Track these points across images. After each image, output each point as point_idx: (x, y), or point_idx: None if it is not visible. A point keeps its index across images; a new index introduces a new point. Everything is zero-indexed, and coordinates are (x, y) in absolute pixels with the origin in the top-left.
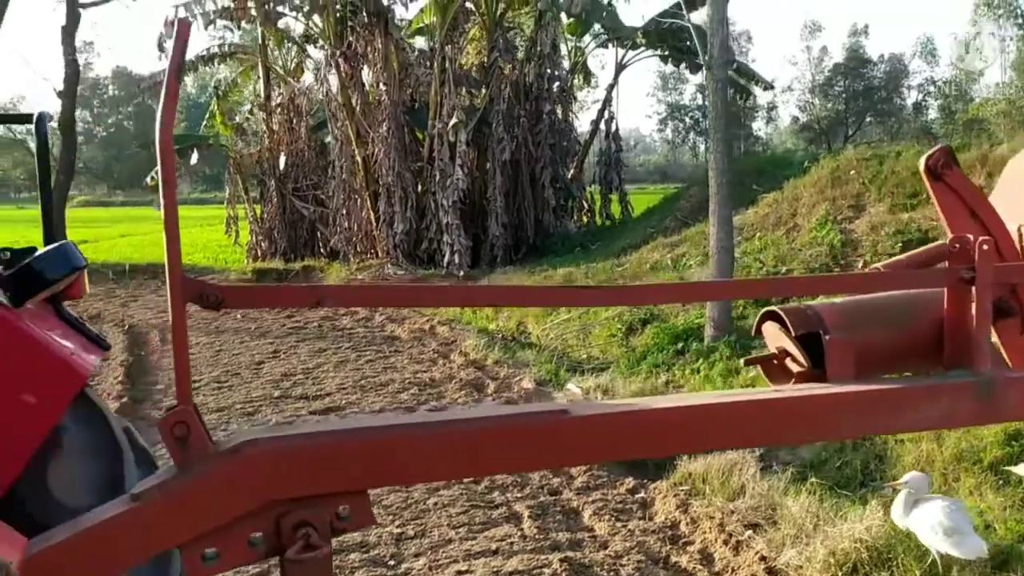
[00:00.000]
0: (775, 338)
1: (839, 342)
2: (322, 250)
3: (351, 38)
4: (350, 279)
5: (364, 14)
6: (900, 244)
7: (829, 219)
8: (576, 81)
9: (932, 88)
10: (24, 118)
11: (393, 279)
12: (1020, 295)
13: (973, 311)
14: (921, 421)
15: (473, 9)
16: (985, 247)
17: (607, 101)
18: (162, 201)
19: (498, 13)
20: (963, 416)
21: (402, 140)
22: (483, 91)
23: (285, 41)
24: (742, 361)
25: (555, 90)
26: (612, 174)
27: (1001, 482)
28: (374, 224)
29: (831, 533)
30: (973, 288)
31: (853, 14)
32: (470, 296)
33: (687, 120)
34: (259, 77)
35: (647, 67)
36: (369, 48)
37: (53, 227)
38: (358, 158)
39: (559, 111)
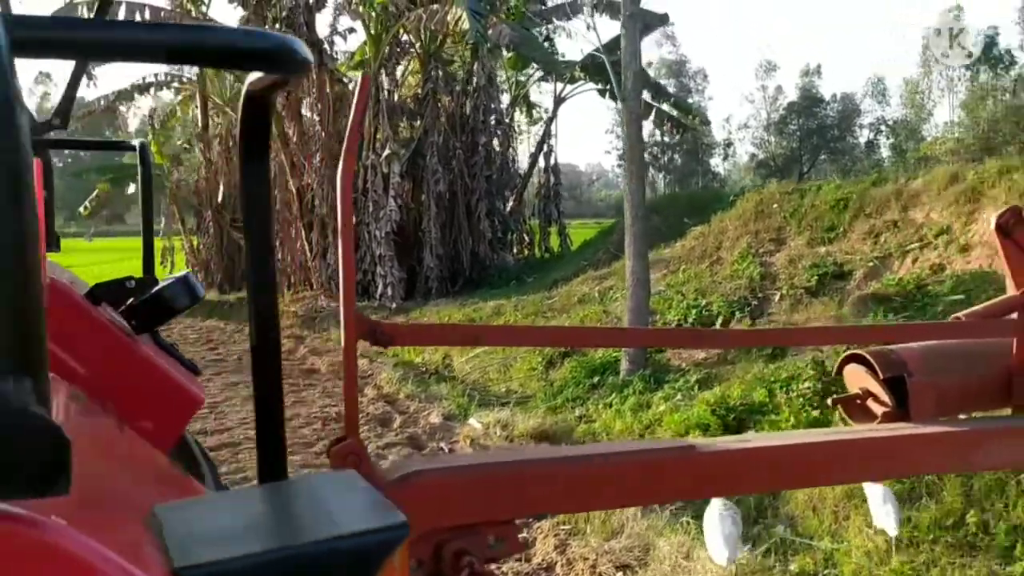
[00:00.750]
0: (858, 379)
1: (922, 384)
2: None
3: None
4: (283, 311)
5: None
6: (816, 277)
7: (750, 252)
8: (519, 114)
9: (883, 127)
10: (125, 146)
11: (325, 311)
12: None
13: None
14: (997, 459)
15: (412, 41)
16: None
17: (546, 134)
18: (340, 246)
19: (434, 46)
20: None
21: (336, 171)
22: (418, 123)
23: (223, 71)
24: (829, 400)
25: (491, 123)
26: (551, 207)
27: None
28: (308, 256)
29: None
30: None
31: (807, 54)
32: (607, 338)
33: (646, 156)
34: (197, 107)
35: (607, 104)
36: (304, 79)
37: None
38: (292, 189)
39: (497, 144)
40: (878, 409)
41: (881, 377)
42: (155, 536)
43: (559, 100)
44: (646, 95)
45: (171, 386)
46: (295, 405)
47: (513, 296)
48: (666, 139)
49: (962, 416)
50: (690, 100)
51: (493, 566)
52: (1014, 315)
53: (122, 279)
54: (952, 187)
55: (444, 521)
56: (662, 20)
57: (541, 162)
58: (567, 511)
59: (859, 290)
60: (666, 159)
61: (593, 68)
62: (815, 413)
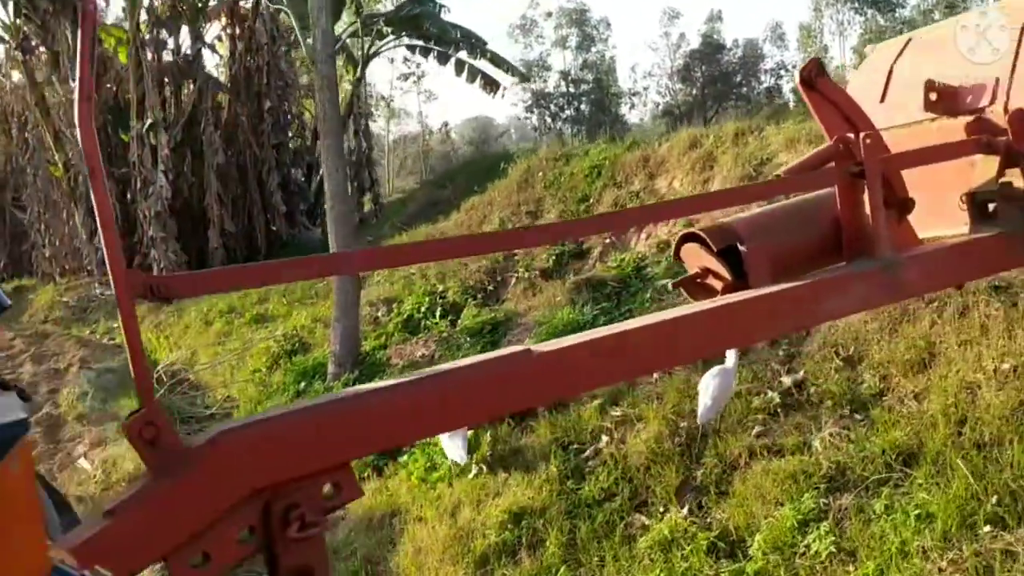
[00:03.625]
0: (695, 258)
1: (756, 250)
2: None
3: (25, 28)
4: (55, 301)
5: (46, 1)
6: (553, 258)
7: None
8: (346, 74)
9: (783, 72)
10: None
11: (99, 300)
12: (895, 186)
13: (866, 203)
14: (841, 308)
15: None
16: (869, 141)
17: (354, 96)
18: (94, 199)
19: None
20: (876, 297)
21: (103, 143)
22: (191, 87)
23: None
24: (669, 284)
25: (277, 85)
26: (364, 174)
27: None
28: (83, 239)
29: None
30: (861, 180)
31: (710, 1)
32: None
33: (552, 107)
34: None
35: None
36: (62, 39)
37: None
38: (59, 163)
39: (293, 108)
40: (719, 285)
41: (715, 251)
42: None
43: (367, 57)
44: (463, 53)
45: None
46: None
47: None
48: (571, 89)
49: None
50: (593, 49)
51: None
52: (832, 164)
53: None
54: (691, 152)
55: (266, 479)
56: None
57: (351, 127)
58: (403, 443)
59: (590, 271)
60: (572, 110)
61: (399, 22)
62: None
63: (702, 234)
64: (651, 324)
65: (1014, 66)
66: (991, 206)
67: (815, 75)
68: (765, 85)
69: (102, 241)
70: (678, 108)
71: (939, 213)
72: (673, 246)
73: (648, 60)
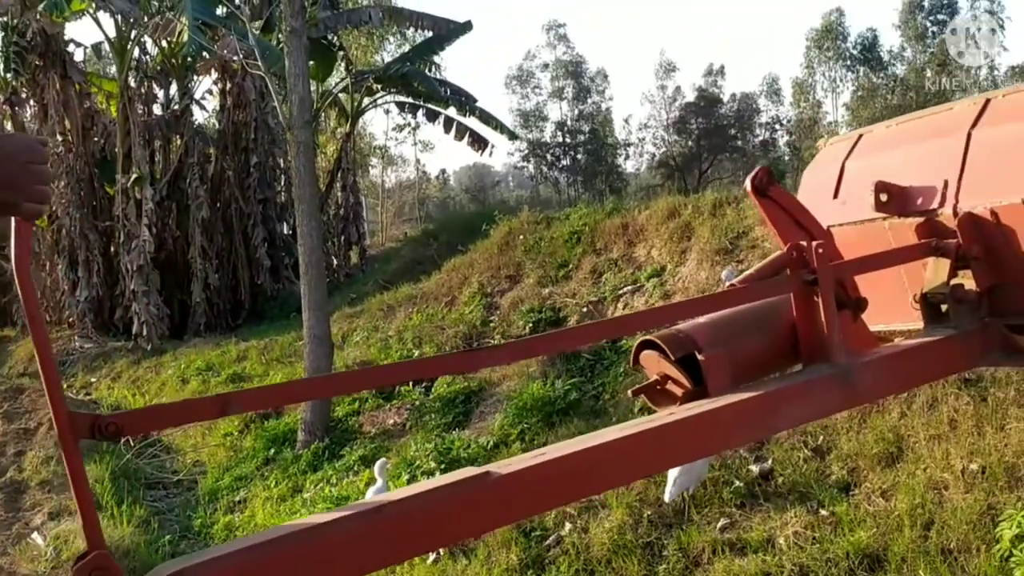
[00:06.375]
0: (654, 365)
1: (714, 358)
2: None
3: (15, 83)
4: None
5: (35, 56)
6: (530, 325)
7: (482, 292)
8: (332, 124)
9: (778, 126)
10: None
11: (78, 353)
12: (847, 288)
13: (820, 308)
14: (798, 417)
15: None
16: (820, 250)
17: (342, 151)
18: (32, 337)
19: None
20: (832, 405)
21: (89, 196)
22: (178, 142)
23: None
24: (630, 392)
25: (264, 140)
26: (351, 228)
27: None
28: (67, 291)
29: None
30: (815, 288)
31: (708, 55)
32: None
33: (548, 157)
34: None
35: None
36: (50, 93)
37: None
38: (43, 216)
39: (281, 162)
40: (679, 391)
41: (673, 358)
42: None
43: (357, 113)
44: (452, 111)
45: None
46: None
47: (270, 335)
48: (567, 139)
49: (763, 381)
50: (590, 100)
51: None
52: (788, 271)
53: None
54: (669, 222)
55: None
56: (462, 29)
57: (339, 181)
58: (365, 572)
59: None
60: (568, 160)
61: (388, 80)
62: None
63: (659, 342)
64: (608, 442)
65: (962, 169)
66: (943, 307)
67: (766, 183)
68: (760, 138)
69: (44, 387)
70: (674, 160)
71: (893, 307)
72: (632, 353)
73: (644, 112)
